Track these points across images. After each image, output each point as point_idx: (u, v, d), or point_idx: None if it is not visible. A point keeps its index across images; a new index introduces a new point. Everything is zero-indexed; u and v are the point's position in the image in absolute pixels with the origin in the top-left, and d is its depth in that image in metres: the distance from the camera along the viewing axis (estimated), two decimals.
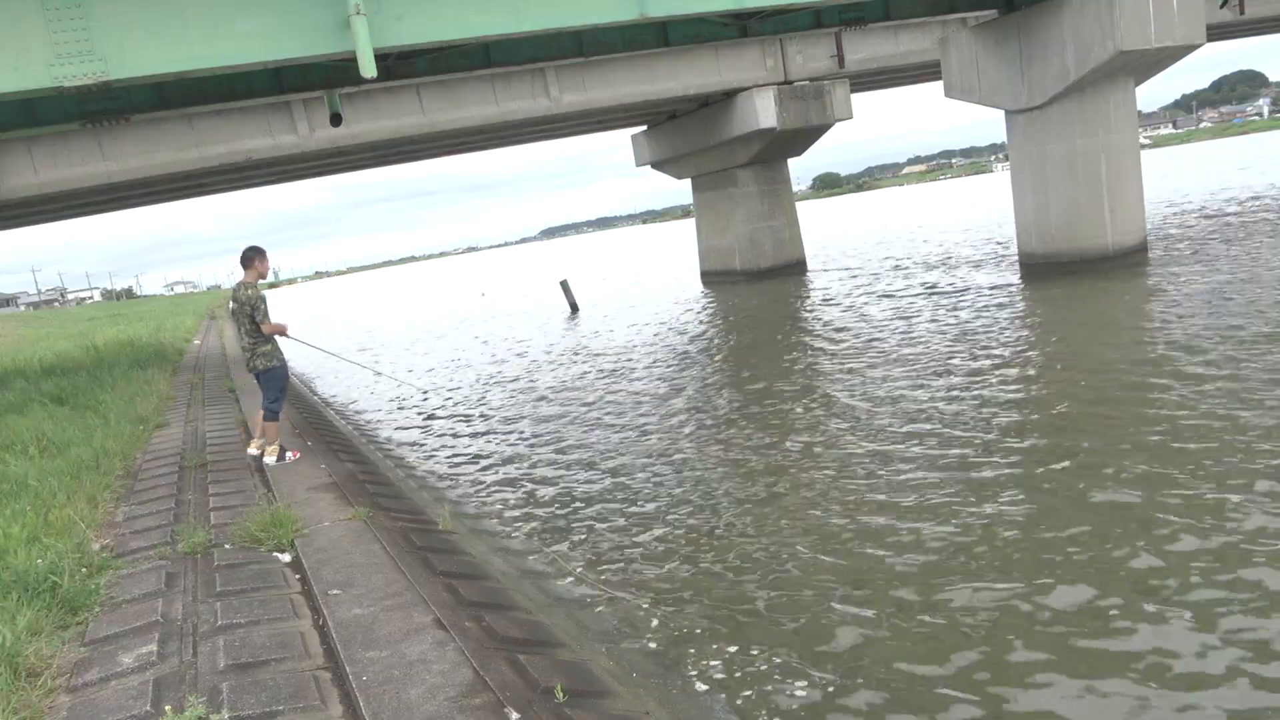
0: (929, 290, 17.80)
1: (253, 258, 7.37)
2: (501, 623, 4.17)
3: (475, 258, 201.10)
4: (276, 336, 7.48)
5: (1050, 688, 3.91)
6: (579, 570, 6.06)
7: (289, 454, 7.73)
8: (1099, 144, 15.40)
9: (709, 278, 28.29)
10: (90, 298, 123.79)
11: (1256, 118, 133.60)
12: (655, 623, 5.07)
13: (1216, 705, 3.63)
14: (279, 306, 33.92)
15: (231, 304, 7.70)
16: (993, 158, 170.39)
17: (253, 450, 7.75)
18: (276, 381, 7.48)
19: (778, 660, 4.44)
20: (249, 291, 7.33)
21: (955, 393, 9.22)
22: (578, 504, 7.62)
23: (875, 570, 5.31)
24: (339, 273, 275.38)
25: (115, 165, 18.46)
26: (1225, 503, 5.47)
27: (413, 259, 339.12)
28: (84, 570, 4.53)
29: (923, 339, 12.59)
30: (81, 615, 4.08)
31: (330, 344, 14.46)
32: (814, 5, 13.63)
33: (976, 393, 9.11)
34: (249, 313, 7.31)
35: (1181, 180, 40.34)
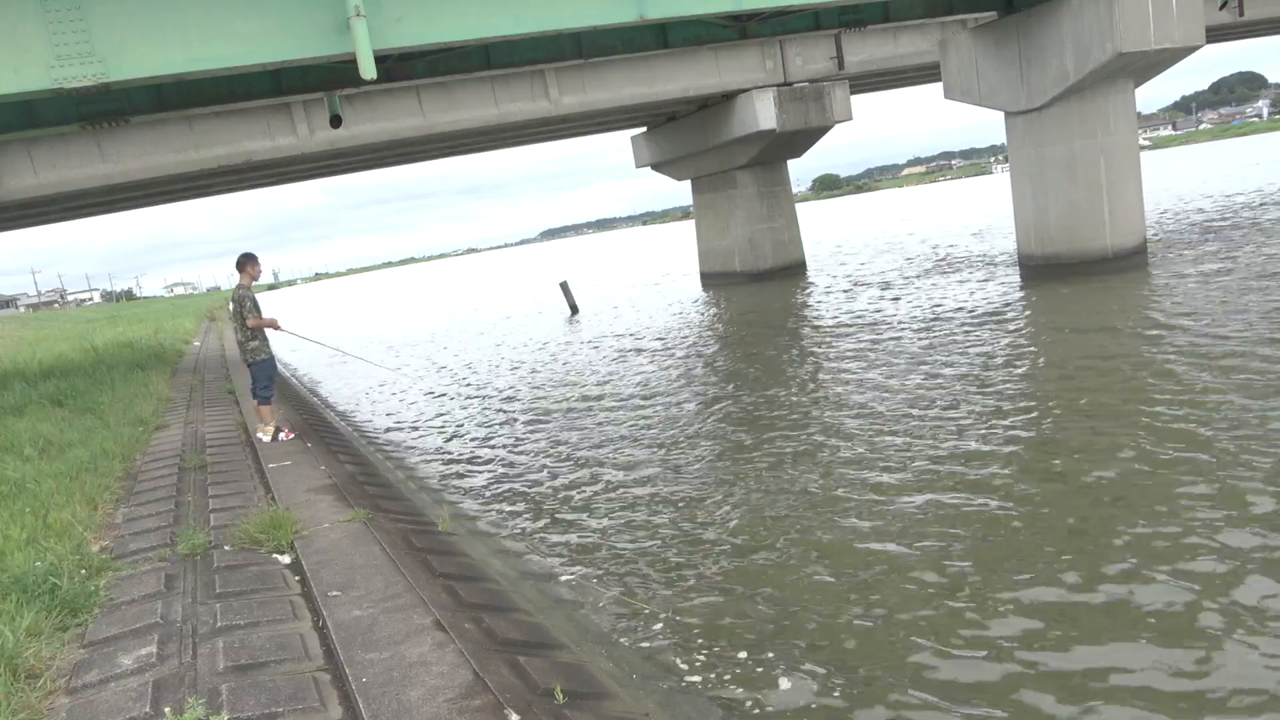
0: (927, 291, 17.79)
1: (245, 263, 8.40)
2: (501, 624, 4.17)
3: (475, 259, 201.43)
4: (269, 330, 8.53)
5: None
6: (579, 572, 6.06)
7: (282, 433, 8.73)
8: (1098, 146, 15.41)
9: (708, 279, 28.29)
10: (90, 299, 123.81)
11: (1256, 119, 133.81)
12: (656, 625, 5.06)
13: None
14: (280, 309, 33.90)
15: (231, 305, 8.73)
16: (993, 159, 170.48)
17: (261, 436, 8.65)
18: (265, 372, 8.57)
19: (780, 664, 4.44)
20: (241, 292, 8.39)
21: (954, 392, 9.22)
22: (577, 506, 7.62)
23: (879, 574, 5.31)
24: (339, 274, 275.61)
25: (115, 167, 18.47)
26: (1227, 508, 5.48)
27: (413, 260, 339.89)
28: (83, 572, 4.52)
29: (921, 339, 12.58)
30: (81, 617, 4.08)
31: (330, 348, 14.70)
32: (813, 6, 13.64)
33: (976, 393, 9.10)
34: (239, 311, 8.34)
35: (1181, 182, 40.35)
